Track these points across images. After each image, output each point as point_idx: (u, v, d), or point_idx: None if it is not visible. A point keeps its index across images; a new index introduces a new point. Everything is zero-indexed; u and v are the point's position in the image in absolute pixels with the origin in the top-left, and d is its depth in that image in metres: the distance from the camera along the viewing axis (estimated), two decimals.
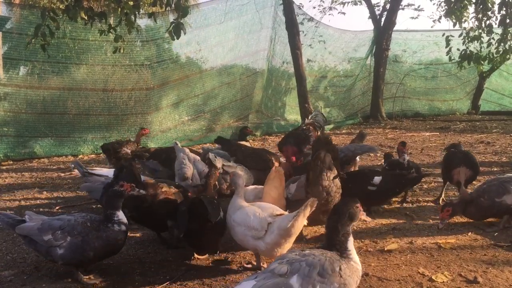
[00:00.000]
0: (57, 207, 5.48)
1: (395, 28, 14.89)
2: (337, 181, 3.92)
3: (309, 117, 6.78)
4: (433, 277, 3.32)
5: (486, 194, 4.26)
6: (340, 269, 2.49)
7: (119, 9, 6.71)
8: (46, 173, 7.78)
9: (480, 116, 15.43)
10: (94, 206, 5.52)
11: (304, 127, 6.30)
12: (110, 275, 3.53)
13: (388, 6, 14.87)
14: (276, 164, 5.20)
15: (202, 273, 3.53)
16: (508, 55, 12.05)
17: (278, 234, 3.30)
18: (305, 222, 3.39)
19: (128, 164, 4.30)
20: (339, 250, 2.62)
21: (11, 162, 8.79)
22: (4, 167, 8.31)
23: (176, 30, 6.15)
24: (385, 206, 5.12)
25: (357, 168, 5.90)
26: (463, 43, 11.60)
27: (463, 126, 12.72)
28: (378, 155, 8.08)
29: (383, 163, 5.90)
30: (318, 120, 6.64)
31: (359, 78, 15.45)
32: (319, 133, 6.35)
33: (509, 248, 3.88)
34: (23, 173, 7.77)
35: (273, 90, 13.54)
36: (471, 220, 4.60)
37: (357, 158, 5.97)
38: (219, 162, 4.54)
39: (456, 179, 4.92)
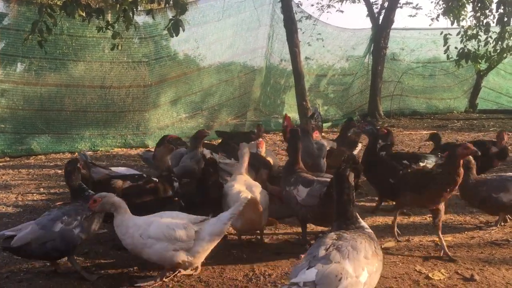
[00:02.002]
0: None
1: (393, 26, 14.87)
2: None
3: (313, 118, 6.82)
4: (430, 275, 3.33)
5: (486, 186, 4.28)
6: (375, 248, 2.57)
7: (117, 6, 6.69)
8: (43, 170, 7.76)
9: (477, 115, 15.46)
10: None
11: None
12: (108, 272, 3.53)
13: (386, 4, 14.86)
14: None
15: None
16: (505, 54, 12.08)
17: (210, 240, 3.25)
18: None
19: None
20: (353, 222, 2.69)
21: (8, 159, 8.76)
22: (1, 164, 8.28)
23: (175, 27, 6.15)
24: (382, 204, 5.13)
25: None
26: (461, 41, 11.59)
27: (461, 125, 12.74)
28: None
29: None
30: (317, 119, 6.72)
31: (357, 76, 15.45)
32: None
33: (505, 246, 3.90)
34: (20, 170, 7.75)
35: (271, 88, 13.52)
36: (467, 219, 4.62)
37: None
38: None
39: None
